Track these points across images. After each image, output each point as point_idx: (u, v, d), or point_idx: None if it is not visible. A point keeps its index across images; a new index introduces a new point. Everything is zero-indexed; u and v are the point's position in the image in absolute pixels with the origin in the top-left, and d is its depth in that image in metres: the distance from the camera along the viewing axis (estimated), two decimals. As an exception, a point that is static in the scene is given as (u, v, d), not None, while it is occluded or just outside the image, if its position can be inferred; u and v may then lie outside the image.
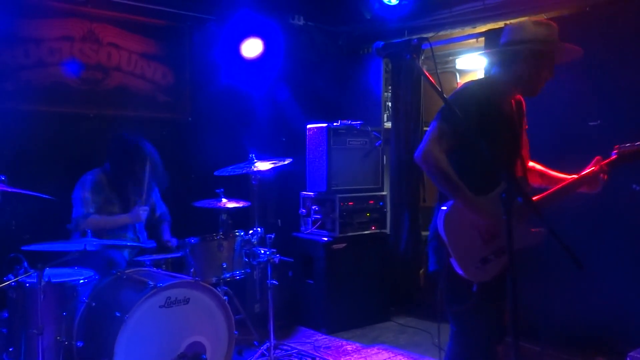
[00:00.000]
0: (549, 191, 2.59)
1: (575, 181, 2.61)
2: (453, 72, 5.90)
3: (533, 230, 2.44)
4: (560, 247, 1.93)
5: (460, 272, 2.31)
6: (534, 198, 2.50)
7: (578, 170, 2.76)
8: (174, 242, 4.04)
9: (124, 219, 3.80)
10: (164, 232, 4.15)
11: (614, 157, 2.62)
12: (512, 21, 4.39)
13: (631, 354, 2.87)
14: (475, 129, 2.14)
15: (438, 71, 2.48)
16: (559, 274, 3.95)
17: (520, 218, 2.30)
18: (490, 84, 2.53)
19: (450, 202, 2.34)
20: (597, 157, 2.62)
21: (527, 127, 2.74)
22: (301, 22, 5.25)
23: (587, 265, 2.07)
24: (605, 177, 2.62)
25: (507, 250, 1.94)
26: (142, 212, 3.84)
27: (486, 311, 2.38)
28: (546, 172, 2.80)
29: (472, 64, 5.68)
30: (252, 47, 4.91)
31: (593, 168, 2.62)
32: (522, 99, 2.68)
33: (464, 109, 2.22)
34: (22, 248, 3.00)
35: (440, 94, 2.10)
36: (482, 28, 4.66)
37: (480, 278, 2.32)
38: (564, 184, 2.61)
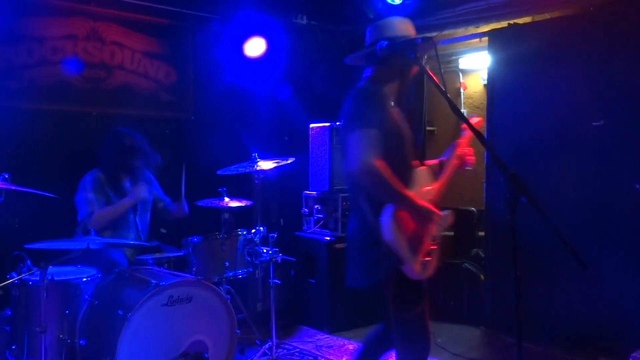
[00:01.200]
0: (443, 180, 2.62)
1: (453, 167, 2.65)
2: (456, 71, 5.90)
3: (441, 213, 2.47)
4: (564, 248, 1.93)
5: (412, 274, 2.33)
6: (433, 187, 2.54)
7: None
8: (186, 207, 4.06)
9: (127, 202, 3.79)
10: (171, 207, 4.15)
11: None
12: (517, 21, 4.40)
13: (634, 354, 2.87)
14: (387, 125, 2.29)
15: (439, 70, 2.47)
16: (563, 274, 3.95)
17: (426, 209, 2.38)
18: (375, 83, 2.54)
19: (389, 211, 2.28)
20: (459, 141, 2.72)
21: None
22: (304, 22, 5.25)
23: (591, 266, 2.06)
24: (467, 151, 2.71)
25: (512, 248, 1.93)
26: (142, 189, 3.83)
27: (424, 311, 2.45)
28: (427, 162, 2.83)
29: (475, 64, 5.68)
30: (255, 46, 4.90)
31: (455, 150, 2.70)
32: None
33: (378, 107, 2.32)
34: (26, 246, 3.00)
35: (444, 93, 2.11)
36: (486, 28, 4.66)
37: (426, 274, 2.40)
38: (449, 172, 2.64)
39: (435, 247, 2.43)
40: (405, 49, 2.35)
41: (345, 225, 4.62)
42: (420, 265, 2.36)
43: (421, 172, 2.53)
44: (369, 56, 2.54)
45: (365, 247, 2.39)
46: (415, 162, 2.52)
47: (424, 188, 2.50)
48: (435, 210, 2.39)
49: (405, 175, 2.39)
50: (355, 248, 2.46)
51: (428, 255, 2.39)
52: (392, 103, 2.49)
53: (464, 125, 2.67)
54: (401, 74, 2.51)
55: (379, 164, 2.22)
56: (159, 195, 4.18)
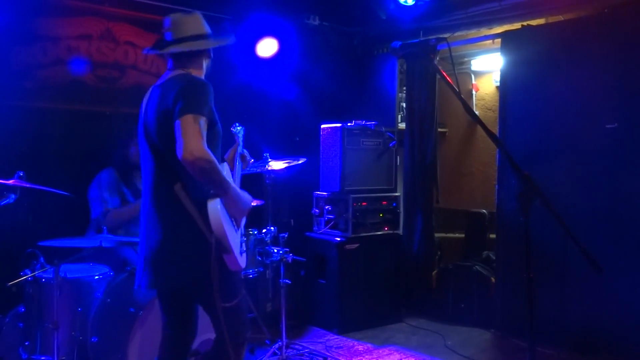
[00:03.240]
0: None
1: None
2: (468, 73, 5.88)
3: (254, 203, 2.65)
4: (577, 250, 1.92)
5: (233, 266, 2.34)
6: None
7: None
8: None
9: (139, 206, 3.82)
10: None
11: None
12: (530, 22, 4.38)
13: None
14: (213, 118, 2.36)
15: (453, 71, 2.47)
16: (575, 277, 3.93)
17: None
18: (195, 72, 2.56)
19: (218, 200, 2.27)
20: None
21: None
22: (316, 22, 5.25)
23: (604, 269, 2.05)
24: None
25: (525, 251, 1.93)
26: None
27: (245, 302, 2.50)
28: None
29: (488, 65, 5.65)
30: (267, 47, 4.91)
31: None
32: None
33: (207, 96, 2.31)
34: (39, 244, 3.04)
35: (458, 94, 2.10)
36: (499, 29, 4.64)
37: (244, 265, 2.45)
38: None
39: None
40: (418, 50, 2.35)
41: (356, 226, 4.69)
42: (241, 258, 2.40)
43: (225, 166, 2.66)
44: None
45: (186, 243, 2.33)
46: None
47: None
48: (249, 204, 2.47)
49: None
50: (176, 245, 2.35)
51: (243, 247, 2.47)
52: None
53: None
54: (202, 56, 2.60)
55: (211, 153, 2.19)
56: None
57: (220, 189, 2.27)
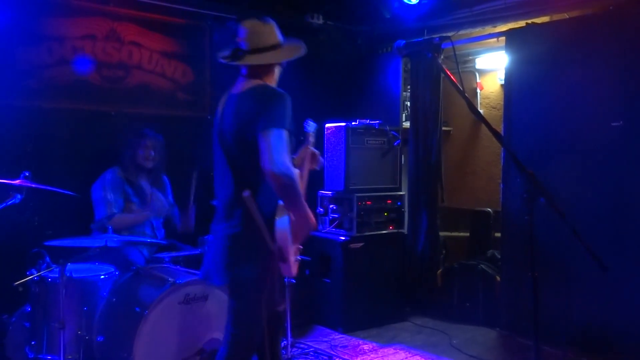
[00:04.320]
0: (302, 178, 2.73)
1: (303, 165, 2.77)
2: (472, 71, 5.87)
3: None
4: (583, 249, 1.91)
5: (287, 273, 2.44)
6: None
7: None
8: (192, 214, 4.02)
9: (146, 214, 3.85)
10: (177, 219, 4.17)
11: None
12: (535, 20, 4.36)
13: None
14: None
15: (457, 70, 2.47)
16: (580, 276, 3.91)
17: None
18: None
19: (287, 218, 2.34)
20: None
21: None
22: (320, 21, 5.25)
23: (610, 268, 2.04)
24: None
25: (529, 249, 1.92)
26: (156, 201, 3.90)
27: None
28: None
29: (492, 64, 5.64)
30: (271, 46, 4.91)
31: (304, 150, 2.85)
32: None
33: (289, 115, 2.36)
34: (45, 243, 3.05)
35: (462, 93, 2.10)
36: (503, 27, 4.62)
37: (294, 273, 2.50)
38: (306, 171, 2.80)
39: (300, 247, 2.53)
40: (423, 48, 2.35)
41: (360, 225, 4.69)
42: (294, 266, 2.47)
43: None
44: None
45: (242, 245, 2.41)
46: None
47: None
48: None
49: None
50: (233, 245, 2.43)
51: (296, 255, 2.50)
52: None
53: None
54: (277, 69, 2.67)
55: (294, 169, 2.28)
56: (170, 200, 4.22)
57: (293, 206, 2.33)
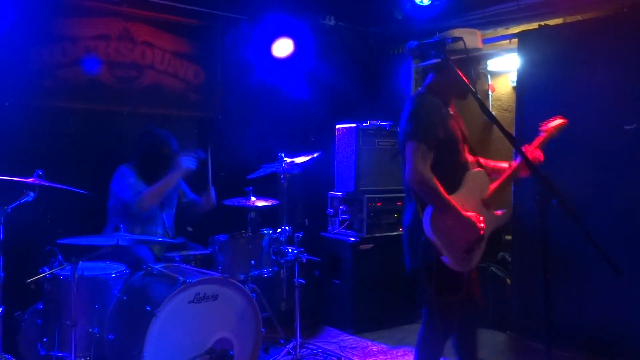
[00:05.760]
0: (498, 181, 2.80)
1: (514, 170, 2.79)
2: (485, 73, 5.84)
3: (496, 213, 2.75)
4: (595, 252, 1.89)
5: (453, 267, 2.56)
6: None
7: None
8: (214, 196, 4.08)
9: (174, 175, 3.85)
10: (198, 200, 4.19)
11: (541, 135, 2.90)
12: (548, 22, 4.33)
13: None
14: (441, 138, 2.55)
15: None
16: (593, 279, 3.88)
17: (489, 207, 2.69)
18: (432, 92, 2.72)
19: (429, 212, 2.54)
20: (526, 145, 2.84)
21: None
22: (332, 23, 5.25)
23: (624, 271, 2.02)
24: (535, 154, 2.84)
25: (542, 252, 1.91)
26: (184, 161, 3.87)
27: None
28: (496, 165, 2.98)
29: (504, 66, 5.60)
30: (282, 47, 4.93)
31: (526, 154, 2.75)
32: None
33: (430, 120, 2.55)
34: (57, 241, 3.07)
35: (474, 94, 2.09)
36: (516, 29, 4.60)
37: (467, 267, 2.65)
38: (507, 174, 2.80)
39: (475, 246, 2.63)
40: (435, 50, 2.34)
41: (370, 226, 4.68)
42: (462, 261, 2.59)
43: (475, 174, 2.72)
44: (433, 65, 2.72)
45: (413, 236, 2.63)
46: (471, 165, 2.73)
47: (477, 189, 2.71)
48: (476, 219, 2.59)
49: (455, 179, 2.64)
50: (407, 236, 2.73)
51: (470, 252, 2.61)
52: (448, 111, 2.70)
53: (544, 128, 2.87)
54: (456, 84, 2.62)
55: (427, 174, 2.50)
56: (185, 191, 4.23)
57: (435, 207, 2.54)
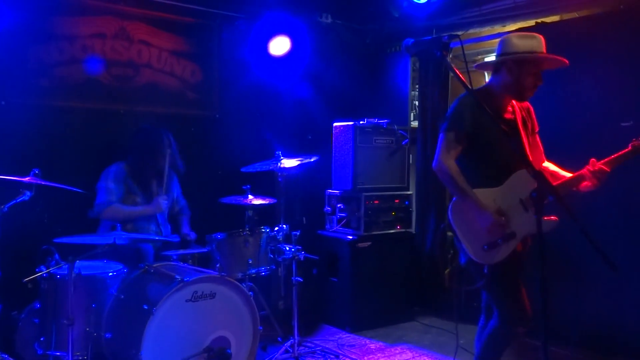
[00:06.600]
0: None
1: (573, 179, 2.83)
2: (481, 71, 5.83)
3: (546, 218, 2.63)
4: (592, 249, 1.90)
5: (471, 255, 2.68)
6: None
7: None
8: (192, 235, 4.09)
9: (144, 209, 3.87)
10: (183, 225, 4.21)
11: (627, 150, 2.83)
12: (544, 19, 4.34)
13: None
14: (474, 132, 2.67)
15: (466, 70, 2.47)
16: (590, 276, 3.89)
17: (529, 208, 2.69)
18: (484, 92, 2.83)
19: (452, 201, 2.74)
20: (592, 159, 2.81)
21: (538, 129, 3.07)
22: (329, 21, 5.25)
23: (620, 268, 2.03)
24: (604, 174, 2.81)
25: (539, 249, 1.91)
26: (162, 202, 3.90)
27: (507, 287, 2.77)
28: (557, 172, 2.98)
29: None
30: (280, 45, 4.93)
31: (589, 167, 2.81)
32: (529, 105, 3.00)
33: (461, 117, 2.70)
34: (54, 240, 3.07)
35: (472, 92, 2.09)
36: (512, 27, 4.60)
37: (489, 260, 2.68)
38: (564, 181, 2.85)
39: (504, 242, 2.66)
40: (431, 47, 2.34)
41: (368, 224, 4.68)
42: (482, 253, 2.66)
43: (520, 174, 2.71)
44: (491, 64, 2.90)
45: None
46: (519, 165, 2.69)
47: (518, 188, 2.70)
48: (493, 216, 2.64)
49: (498, 175, 2.72)
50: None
51: (491, 246, 2.65)
52: (498, 110, 2.80)
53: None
54: (515, 86, 2.77)
55: (449, 164, 2.68)
56: (177, 197, 4.23)
57: (456, 196, 2.73)
